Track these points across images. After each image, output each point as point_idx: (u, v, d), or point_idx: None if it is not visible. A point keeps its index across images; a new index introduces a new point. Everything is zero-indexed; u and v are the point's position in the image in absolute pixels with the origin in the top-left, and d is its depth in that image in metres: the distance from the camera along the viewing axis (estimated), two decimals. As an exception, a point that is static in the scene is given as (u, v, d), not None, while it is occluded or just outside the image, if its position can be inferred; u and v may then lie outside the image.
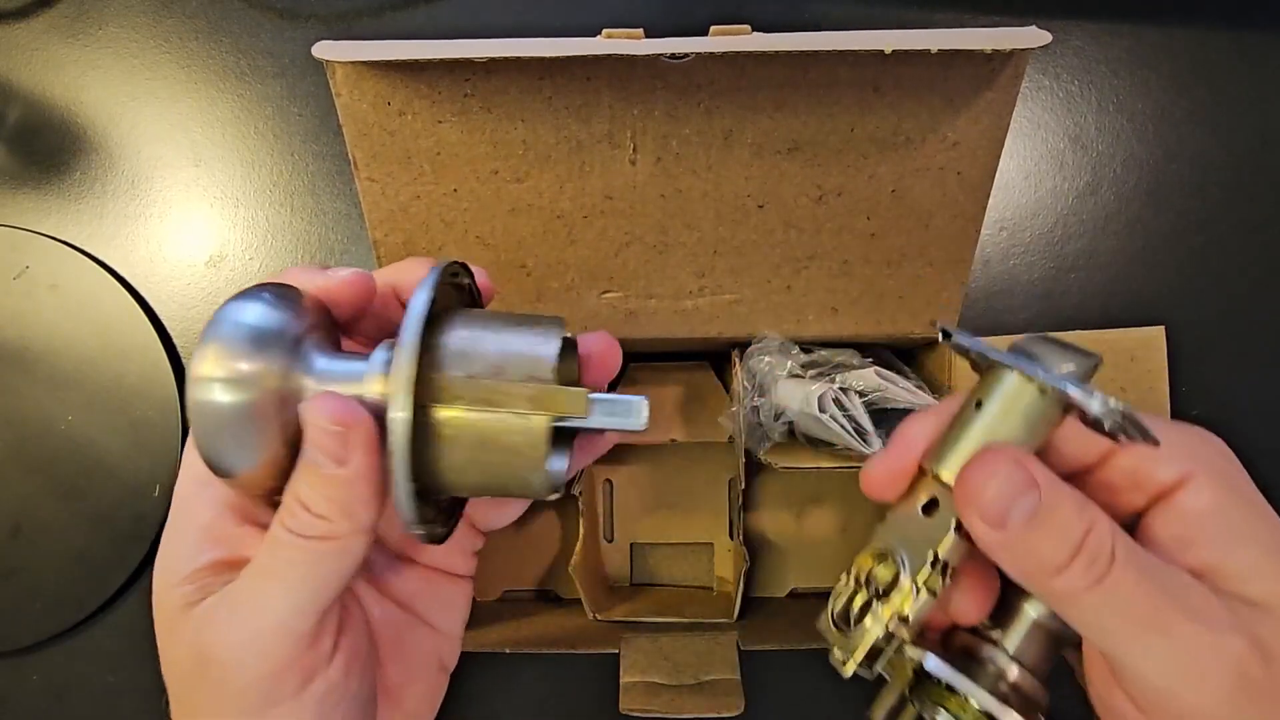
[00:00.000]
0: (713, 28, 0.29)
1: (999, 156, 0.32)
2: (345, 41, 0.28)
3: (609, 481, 0.44)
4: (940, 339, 0.22)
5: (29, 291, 0.45)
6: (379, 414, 0.21)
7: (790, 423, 0.36)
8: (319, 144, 0.46)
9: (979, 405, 0.21)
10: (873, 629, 0.22)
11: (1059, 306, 0.44)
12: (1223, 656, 0.19)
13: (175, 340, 0.45)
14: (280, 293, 0.23)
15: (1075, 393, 0.19)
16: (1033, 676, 0.22)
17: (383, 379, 0.22)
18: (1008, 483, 0.19)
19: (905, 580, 0.21)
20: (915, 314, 0.35)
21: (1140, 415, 0.19)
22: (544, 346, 0.22)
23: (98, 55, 0.46)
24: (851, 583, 0.23)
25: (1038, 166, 0.45)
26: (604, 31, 0.29)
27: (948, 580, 0.21)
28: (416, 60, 0.29)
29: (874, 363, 0.36)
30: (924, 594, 0.21)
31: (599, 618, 0.39)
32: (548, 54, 0.27)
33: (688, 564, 0.44)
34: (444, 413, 0.22)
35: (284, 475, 0.22)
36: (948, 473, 0.21)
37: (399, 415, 0.20)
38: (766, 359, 0.35)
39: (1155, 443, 0.20)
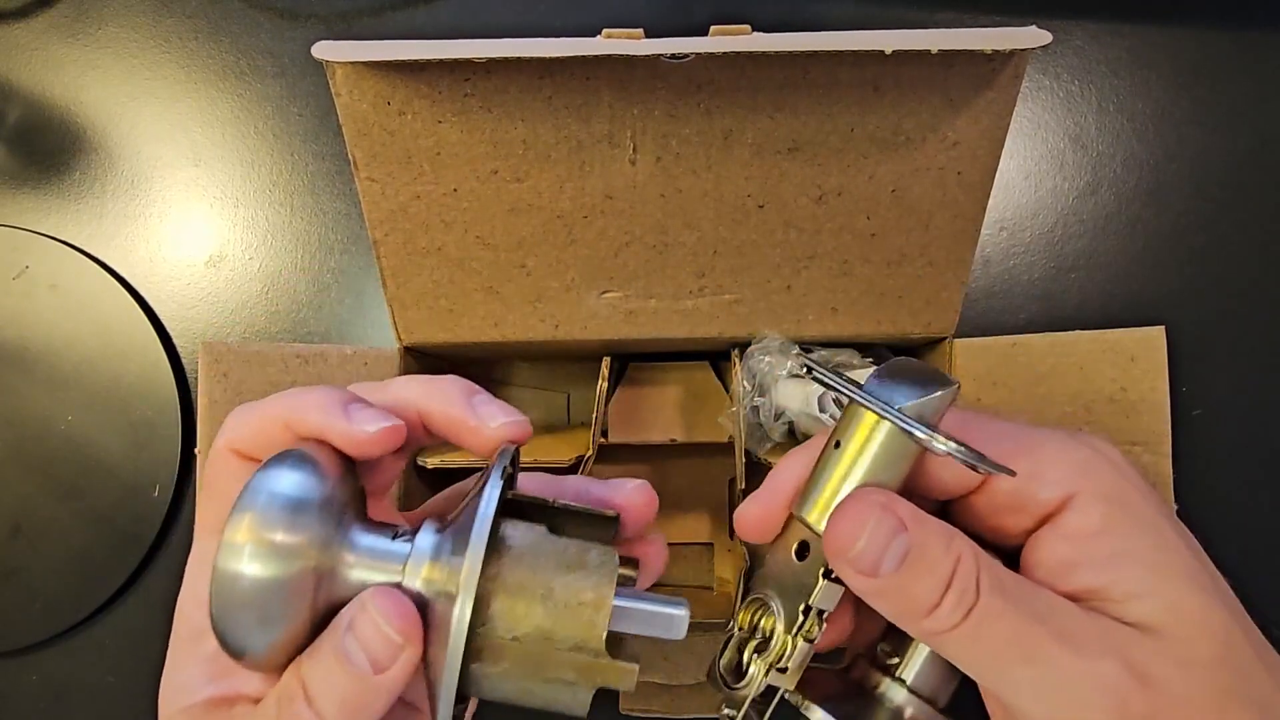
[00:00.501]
0: (713, 28, 0.29)
1: (999, 156, 0.32)
2: (345, 41, 0.28)
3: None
4: (803, 373, 0.22)
5: (29, 291, 0.45)
6: (419, 603, 0.20)
7: (790, 423, 0.36)
8: (319, 144, 0.46)
9: (838, 445, 0.21)
10: (755, 680, 0.22)
11: (1059, 306, 0.44)
12: (1098, 684, 0.18)
13: (175, 340, 0.45)
14: (319, 459, 0.21)
15: (918, 433, 0.19)
16: (932, 707, 0.22)
17: (432, 567, 0.21)
18: (878, 530, 0.19)
19: (780, 631, 0.21)
20: (915, 314, 0.35)
21: (983, 453, 0.19)
22: (598, 614, 0.21)
23: (97, 55, 0.46)
24: (737, 630, 0.23)
25: (1038, 166, 0.45)
26: (604, 31, 0.29)
27: (823, 625, 0.21)
28: (416, 60, 0.29)
29: (874, 363, 0.36)
30: (800, 643, 0.21)
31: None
32: (548, 54, 0.27)
33: (688, 564, 0.44)
34: (490, 666, 0.21)
35: (294, 656, 0.21)
36: (814, 518, 0.21)
37: (453, 668, 0.19)
38: (766, 359, 0.35)
39: (1010, 473, 0.20)
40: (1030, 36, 0.28)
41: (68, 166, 0.46)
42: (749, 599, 0.23)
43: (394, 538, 0.21)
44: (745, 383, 0.36)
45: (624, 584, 0.21)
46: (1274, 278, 0.44)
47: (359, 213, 0.38)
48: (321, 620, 0.21)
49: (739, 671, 0.22)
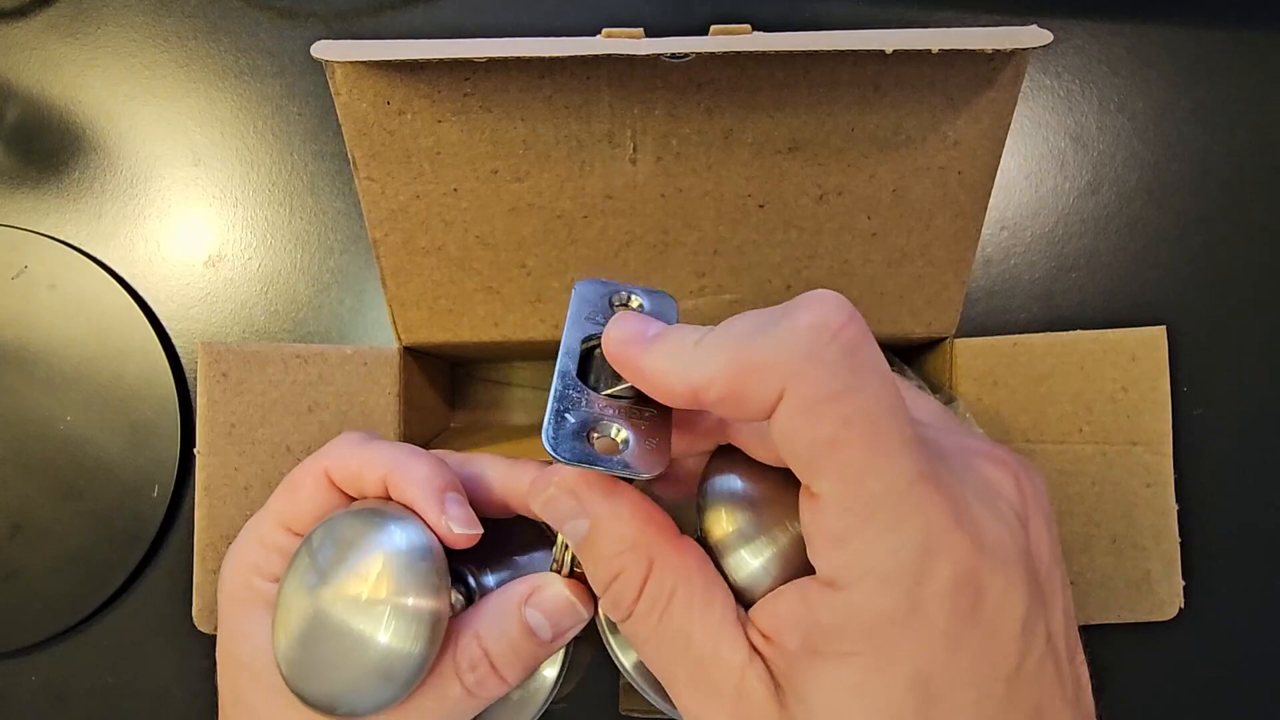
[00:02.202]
0: (713, 27, 0.29)
1: (1000, 156, 0.32)
2: (344, 41, 0.28)
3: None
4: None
5: (27, 291, 0.44)
6: None
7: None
8: (318, 143, 0.46)
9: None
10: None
11: (1060, 306, 0.44)
12: None
13: (174, 340, 0.45)
14: (394, 507, 0.23)
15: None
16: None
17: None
18: (555, 506, 0.20)
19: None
20: (916, 313, 0.35)
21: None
22: None
23: (96, 54, 0.46)
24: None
25: (1039, 166, 0.45)
26: (604, 31, 0.29)
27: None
28: (416, 60, 0.29)
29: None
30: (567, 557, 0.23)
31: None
32: (548, 53, 0.27)
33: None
34: None
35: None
36: None
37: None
38: (767, 359, 0.35)
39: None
40: (1031, 36, 0.28)
41: (66, 166, 0.46)
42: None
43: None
44: (745, 383, 0.36)
45: None
46: (1275, 277, 0.44)
47: (359, 213, 0.38)
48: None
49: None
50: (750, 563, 0.19)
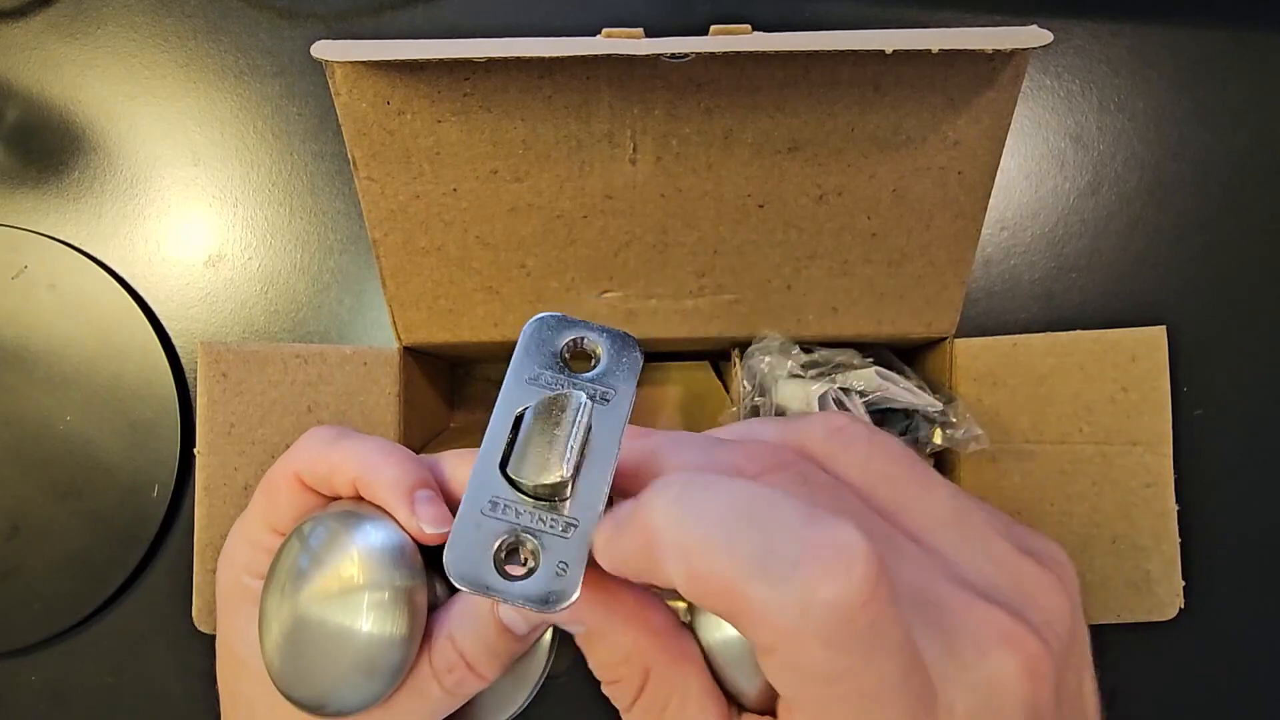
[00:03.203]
0: (713, 27, 0.29)
1: (1000, 156, 0.32)
2: (344, 41, 0.28)
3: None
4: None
5: (27, 291, 0.44)
6: None
7: (790, 423, 0.36)
8: (318, 143, 0.46)
9: None
10: None
11: (1060, 306, 0.44)
12: None
13: (174, 340, 0.45)
14: (364, 505, 0.22)
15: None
16: None
17: None
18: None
19: None
20: (916, 314, 0.35)
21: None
22: None
23: (96, 54, 0.46)
24: None
25: (1039, 166, 0.45)
26: (604, 31, 0.29)
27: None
28: (416, 60, 0.28)
29: (874, 363, 0.36)
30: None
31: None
32: (548, 53, 0.27)
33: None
34: None
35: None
36: None
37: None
38: (766, 359, 0.35)
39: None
40: (1031, 36, 0.28)
41: (66, 166, 0.46)
42: None
43: None
44: (745, 383, 0.36)
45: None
46: (1275, 277, 0.44)
47: (358, 212, 0.38)
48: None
49: None
50: (740, 668, 0.19)
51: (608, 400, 0.19)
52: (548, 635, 0.24)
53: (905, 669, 0.15)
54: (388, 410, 0.36)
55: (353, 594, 0.20)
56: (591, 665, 0.20)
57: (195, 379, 0.35)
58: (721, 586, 0.15)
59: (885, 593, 0.14)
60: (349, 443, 0.24)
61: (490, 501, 0.17)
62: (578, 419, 0.17)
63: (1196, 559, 0.38)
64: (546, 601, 0.17)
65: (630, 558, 0.17)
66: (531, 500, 0.18)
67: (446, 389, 0.44)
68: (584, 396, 0.18)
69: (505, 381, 0.19)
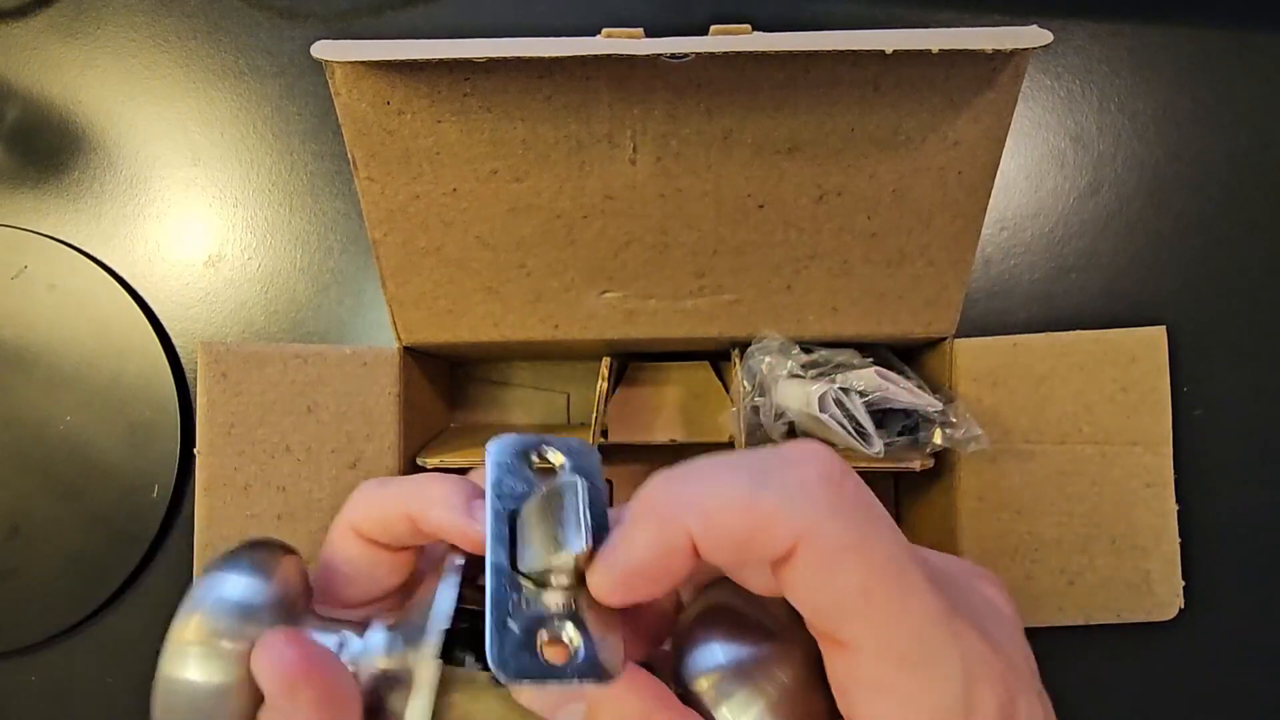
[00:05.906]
0: (713, 27, 0.29)
1: (1000, 156, 0.32)
2: (344, 41, 0.28)
3: (609, 482, 0.44)
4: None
5: (27, 291, 0.44)
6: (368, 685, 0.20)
7: (790, 423, 0.36)
8: (318, 143, 0.46)
9: None
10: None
11: (1059, 306, 0.44)
12: None
13: (174, 340, 0.45)
14: (267, 560, 0.21)
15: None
16: None
17: (387, 660, 0.20)
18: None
19: None
20: (916, 314, 0.35)
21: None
22: None
23: (96, 54, 0.46)
24: None
25: (1039, 166, 0.45)
26: (604, 31, 0.29)
27: None
28: (416, 60, 0.29)
29: (874, 363, 0.36)
30: None
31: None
32: (548, 54, 0.27)
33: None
34: None
35: None
36: None
37: None
38: (766, 359, 0.35)
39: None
40: (1031, 36, 0.28)
41: (66, 166, 0.46)
42: None
43: (340, 638, 0.21)
44: (745, 383, 0.36)
45: None
46: (1275, 277, 0.44)
47: (358, 213, 0.38)
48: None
49: None
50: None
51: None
52: None
53: (903, 537, 0.17)
54: (387, 410, 0.36)
55: (187, 641, 0.20)
56: None
57: (195, 379, 0.36)
58: (738, 511, 0.17)
59: (855, 473, 0.18)
60: (400, 482, 0.23)
61: (513, 601, 0.18)
62: (580, 494, 0.18)
63: (1196, 559, 0.38)
64: (602, 672, 0.17)
65: (645, 549, 0.17)
66: (550, 588, 0.18)
67: (446, 389, 0.44)
68: (577, 476, 0.19)
69: (487, 496, 0.20)
